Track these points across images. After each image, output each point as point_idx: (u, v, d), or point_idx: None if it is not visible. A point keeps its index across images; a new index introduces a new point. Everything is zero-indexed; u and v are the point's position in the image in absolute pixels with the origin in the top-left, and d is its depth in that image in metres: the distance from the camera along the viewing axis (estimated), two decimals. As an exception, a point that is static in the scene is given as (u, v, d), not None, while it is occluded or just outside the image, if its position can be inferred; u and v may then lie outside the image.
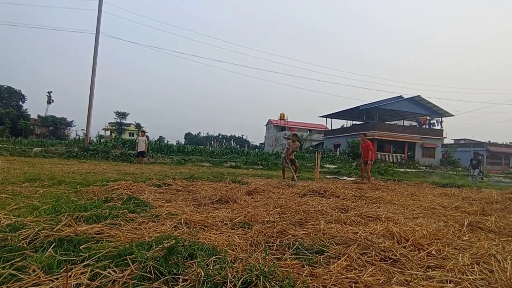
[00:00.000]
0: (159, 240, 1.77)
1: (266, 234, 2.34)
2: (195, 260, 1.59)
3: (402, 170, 19.25)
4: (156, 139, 28.42)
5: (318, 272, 1.67)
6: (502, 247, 2.22)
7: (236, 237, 2.23)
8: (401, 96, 32.23)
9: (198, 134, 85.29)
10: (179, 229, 2.31)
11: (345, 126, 41.26)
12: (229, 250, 1.86)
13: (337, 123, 42.93)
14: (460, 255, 2.00)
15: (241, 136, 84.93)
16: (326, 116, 39.02)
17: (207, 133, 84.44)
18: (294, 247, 2.08)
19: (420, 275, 1.68)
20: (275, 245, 2.16)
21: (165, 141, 32.79)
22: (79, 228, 2.08)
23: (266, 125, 56.69)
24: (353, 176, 12.35)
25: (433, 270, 1.78)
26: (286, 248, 2.09)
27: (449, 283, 1.58)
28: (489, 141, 43.55)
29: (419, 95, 31.39)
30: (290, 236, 2.36)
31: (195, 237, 2.06)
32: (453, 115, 33.43)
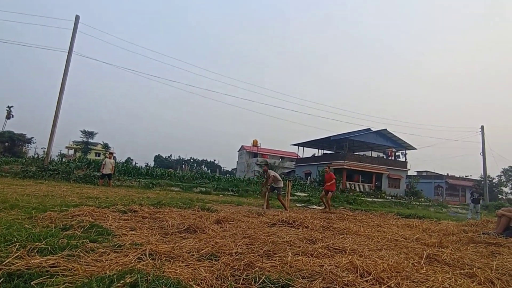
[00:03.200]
0: (121, 274, 1.70)
1: (233, 267, 2.32)
2: (158, 297, 1.54)
3: (370, 199, 19.85)
4: (124, 161, 27.30)
5: (283, 307, 1.68)
6: (454, 280, 2.35)
7: (203, 270, 2.19)
8: (369, 128, 34.02)
9: (169, 157, 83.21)
10: (143, 261, 2.22)
11: (316, 155, 42.45)
12: (194, 286, 1.82)
13: (309, 152, 44.17)
14: (417, 288, 2.09)
15: (213, 160, 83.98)
16: (298, 145, 40.07)
17: (179, 156, 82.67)
18: (261, 281, 2.07)
19: None
20: (242, 278, 2.14)
21: (133, 163, 31.65)
22: (32, 261, 1.94)
23: (238, 151, 56.82)
24: (323, 205, 12.56)
25: None
26: (253, 282, 2.07)
27: None
28: (447, 174, 46.48)
29: (386, 129, 33.36)
30: (257, 268, 2.35)
31: (160, 270, 1.99)
32: (416, 148, 35.66)
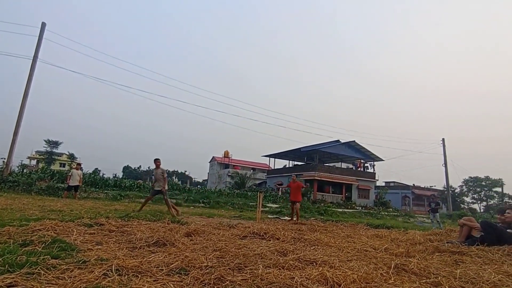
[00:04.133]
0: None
1: (203, 281, 2.25)
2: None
3: (340, 210, 20.32)
4: (91, 172, 25.93)
5: (254, 322, 1.64)
6: (420, 289, 2.45)
7: (172, 285, 2.10)
8: (339, 140, 35.17)
9: (138, 168, 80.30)
10: (109, 277, 2.10)
11: (288, 166, 42.98)
12: (162, 302, 1.74)
13: (280, 163, 44.59)
14: (385, 298, 2.14)
15: (184, 172, 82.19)
16: (270, 156, 40.40)
17: (148, 167, 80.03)
18: (232, 294, 2.03)
19: None
20: (212, 293, 2.08)
21: (101, 174, 30.11)
22: (-17, 281, 1.76)
23: (210, 162, 56.25)
24: (294, 216, 12.66)
25: None
26: (224, 296, 2.03)
27: None
28: (413, 185, 48.70)
29: (354, 141, 34.66)
30: (228, 282, 2.30)
31: (127, 287, 1.89)
32: (383, 160, 37.30)
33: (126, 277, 2.15)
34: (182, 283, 2.18)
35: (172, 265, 2.56)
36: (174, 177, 74.04)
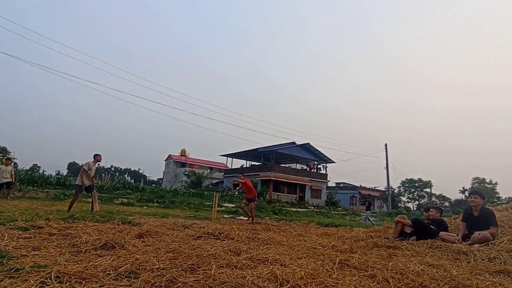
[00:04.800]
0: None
1: (154, 284, 2.22)
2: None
3: (294, 209, 21.02)
4: (28, 168, 23.47)
5: (204, 322, 1.68)
6: (359, 281, 2.67)
7: (120, 290, 2.04)
8: (294, 142, 36.38)
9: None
10: (48, 286, 1.97)
11: (245, 166, 43.36)
12: (108, 307, 1.69)
13: (238, 163, 44.85)
14: (328, 292, 2.32)
15: (137, 170, 78.30)
16: (227, 155, 40.41)
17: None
18: (183, 296, 2.04)
19: None
20: (163, 295, 2.07)
21: (41, 171, 27.44)
22: None
23: (166, 160, 54.39)
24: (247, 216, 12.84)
25: None
26: (175, 298, 2.03)
27: None
28: (360, 185, 52.55)
29: (309, 143, 36.18)
30: (180, 284, 2.30)
31: (68, 294, 1.80)
32: (334, 162, 39.48)
33: (67, 284, 2.02)
34: (131, 287, 2.12)
35: (121, 269, 2.47)
36: (126, 176, 70.15)
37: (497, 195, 57.03)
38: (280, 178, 33.48)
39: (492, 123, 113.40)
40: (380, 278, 2.79)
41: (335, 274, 2.89)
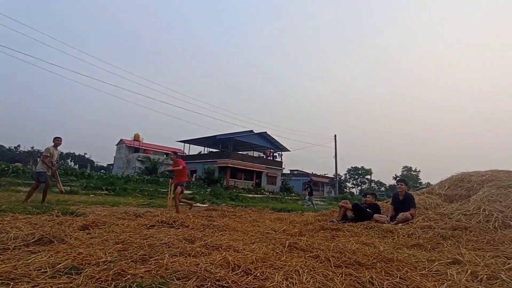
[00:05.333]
0: None
1: (100, 279, 2.10)
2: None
3: (251, 196, 21.41)
4: None
5: (153, 312, 1.65)
6: (305, 262, 2.84)
7: (56, 288, 1.90)
8: (252, 130, 36.83)
9: (16, 148, 66.09)
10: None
11: (203, 152, 42.85)
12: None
13: (195, 149, 44.08)
14: (276, 274, 2.41)
15: (83, 154, 72.15)
16: (185, 142, 39.54)
17: (32, 148, 66.54)
18: (131, 288, 1.97)
19: None
20: (109, 290, 1.98)
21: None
22: None
23: (117, 145, 51.33)
24: (207, 202, 12.78)
25: None
26: (122, 292, 1.95)
27: None
28: (312, 173, 55.80)
29: (266, 132, 36.86)
30: (129, 276, 2.21)
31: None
32: (289, 150, 40.87)
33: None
34: (71, 284, 1.97)
35: (60, 265, 2.28)
36: (69, 161, 64.54)
37: (419, 181, 66.14)
38: (238, 165, 33.74)
39: (417, 113, 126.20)
40: (323, 258, 3.03)
41: (284, 256, 3.04)
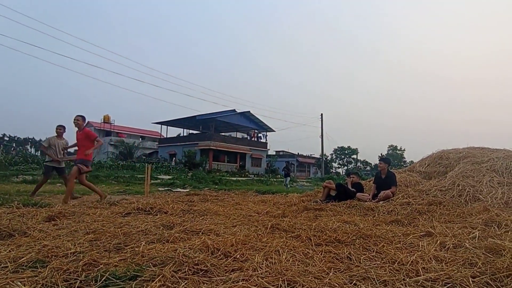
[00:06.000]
0: None
1: (67, 270, 1.98)
2: None
3: (235, 179, 21.40)
4: None
5: (127, 301, 1.57)
6: (285, 242, 2.83)
7: (19, 283, 1.76)
8: (234, 110, 36.11)
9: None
10: None
11: (182, 135, 41.71)
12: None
13: (174, 131, 42.53)
14: (257, 255, 2.39)
15: (43, 139, 67.89)
16: (162, 123, 38.08)
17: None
18: (104, 278, 1.87)
19: (222, 280, 1.91)
20: (79, 281, 1.86)
21: None
22: None
23: (84, 128, 48.99)
24: (188, 187, 12.63)
25: (234, 272, 2.06)
26: (93, 282, 1.85)
27: (242, 281, 1.89)
28: (298, 153, 56.05)
29: (249, 111, 36.32)
30: (101, 266, 2.10)
31: None
32: (274, 131, 40.78)
33: None
34: (36, 278, 1.85)
35: (23, 259, 2.14)
36: (28, 147, 61.32)
37: (404, 160, 68.30)
38: (220, 147, 33.39)
39: (405, 92, 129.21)
40: (304, 237, 3.05)
41: (265, 238, 3.01)
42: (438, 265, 2.25)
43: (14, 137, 62.81)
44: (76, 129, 6.22)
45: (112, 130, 43.78)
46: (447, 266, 2.23)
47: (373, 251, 2.63)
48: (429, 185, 5.94)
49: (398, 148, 73.57)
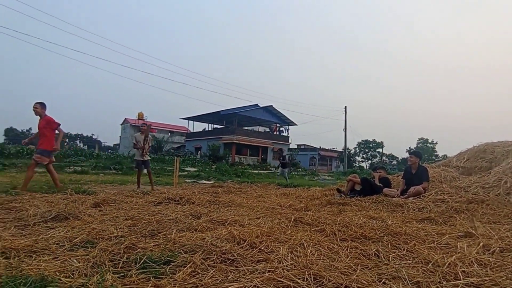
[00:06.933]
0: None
1: (112, 252, 2.22)
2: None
3: (256, 171, 21.61)
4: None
5: (163, 283, 1.75)
6: (310, 236, 2.92)
7: (75, 260, 2.02)
8: (257, 104, 36.34)
9: (27, 130, 67.78)
10: (-7, 262, 1.87)
11: (207, 129, 42.83)
12: (63, 278, 1.68)
13: (199, 126, 44.15)
14: (281, 247, 2.48)
15: (90, 135, 73.52)
16: (188, 119, 39.47)
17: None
18: (142, 261, 2.07)
19: (249, 270, 2.01)
20: (121, 262, 2.09)
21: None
22: None
23: (122, 125, 51.79)
24: (212, 179, 12.98)
25: (260, 263, 2.15)
26: (133, 264, 2.05)
27: (268, 272, 1.96)
28: (320, 147, 55.18)
29: (272, 105, 36.33)
30: (139, 249, 2.32)
31: (17, 269, 1.74)
32: (296, 124, 40.48)
33: (16, 259, 1.94)
34: (88, 257, 2.10)
35: (76, 239, 2.43)
36: (78, 142, 65.77)
37: (435, 154, 64.33)
38: (243, 141, 33.78)
39: (435, 87, 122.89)
40: (329, 231, 3.08)
41: (289, 231, 3.11)
42: (482, 270, 2.03)
43: (67, 133, 68.50)
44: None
45: (145, 125, 46.52)
46: (492, 271, 2.01)
47: (404, 249, 2.51)
48: (469, 182, 5.43)
49: (429, 141, 69.04)
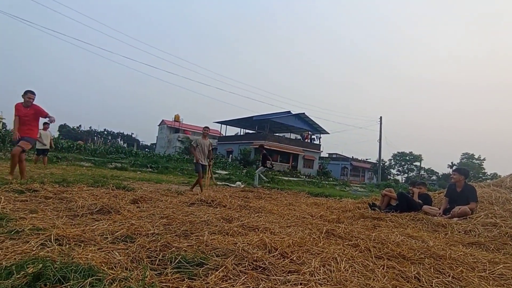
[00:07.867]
0: (22, 264, 1.56)
1: (149, 249, 2.33)
2: (68, 284, 1.48)
3: (286, 178, 21.46)
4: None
5: (196, 284, 1.79)
6: (343, 250, 2.84)
7: (117, 253, 2.15)
8: (290, 111, 36.25)
9: (78, 127, 73.66)
10: (48, 247, 2.05)
11: (239, 133, 43.51)
12: (107, 270, 1.80)
13: (232, 130, 45.03)
14: (313, 259, 2.44)
15: (130, 134, 77.97)
16: (222, 123, 40.38)
17: (90, 127, 73.90)
18: (177, 260, 2.13)
19: (281, 280, 2.00)
20: (158, 259, 2.17)
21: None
22: None
23: (159, 125, 54.23)
24: (243, 183, 13.09)
25: (292, 274, 2.13)
26: (169, 263, 2.12)
27: (300, 285, 1.94)
28: (352, 157, 53.27)
29: (304, 113, 36.08)
30: (174, 249, 2.40)
31: (69, 257, 1.89)
32: (328, 133, 39.74)
33: (67, 246, 2.12)
34: (127, 251, 2.22)
35: (117, 233, 2.58)
36: (119, 140, 70.00)
37: (483, 171, 58.84)
38: (274, 147, 33.75)
39: (484, 100, 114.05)
40: (363, 247, 2.96)
41: (321, 243, 3.05)
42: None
43: (110, 131, 74.57)
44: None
45: (180, 127, 48.73)
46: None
47: (449, 275, 2.34)
48: (526, 205, 4.91)
49: (476, 156, 62.76)
